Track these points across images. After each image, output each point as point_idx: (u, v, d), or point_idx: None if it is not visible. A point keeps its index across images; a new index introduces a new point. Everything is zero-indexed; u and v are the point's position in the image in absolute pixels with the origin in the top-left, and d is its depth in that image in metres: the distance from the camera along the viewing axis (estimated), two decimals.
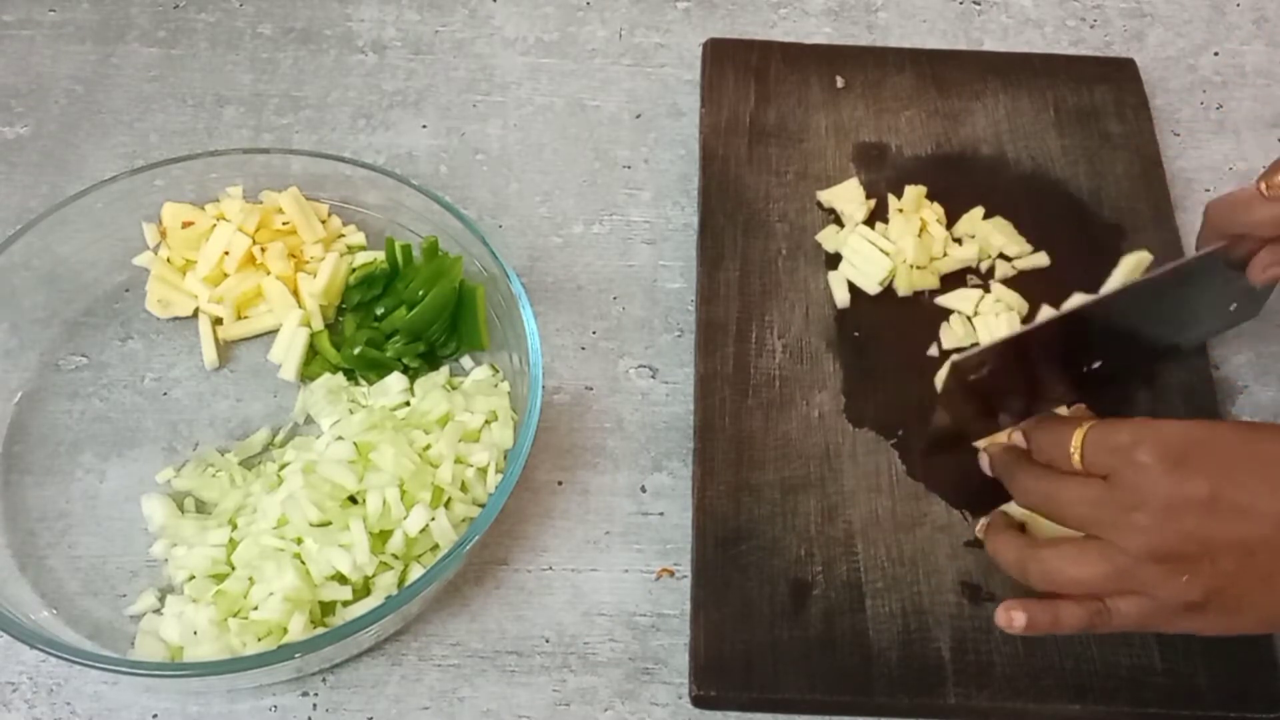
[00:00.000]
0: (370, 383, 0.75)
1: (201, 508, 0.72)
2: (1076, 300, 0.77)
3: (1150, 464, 0.58)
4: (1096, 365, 0.68)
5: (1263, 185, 0.65)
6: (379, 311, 0.76)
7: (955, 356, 0.62)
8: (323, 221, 0.80)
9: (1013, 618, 0.61)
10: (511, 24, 0.95)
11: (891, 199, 0.83)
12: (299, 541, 0.66)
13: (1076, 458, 0.60)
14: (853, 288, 0.80)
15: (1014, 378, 0.65)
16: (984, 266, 0.81)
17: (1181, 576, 0.57)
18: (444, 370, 0.75)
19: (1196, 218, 0.86)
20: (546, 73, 0.93)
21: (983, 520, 0.68)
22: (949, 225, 0.82)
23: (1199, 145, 0.90)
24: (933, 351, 0.77)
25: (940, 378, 0.74)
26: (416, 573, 0.67)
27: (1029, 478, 0.63)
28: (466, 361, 0.77)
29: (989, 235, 0.81)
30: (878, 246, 0.80)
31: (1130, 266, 0.78)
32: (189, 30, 0.94)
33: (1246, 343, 0.80)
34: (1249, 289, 0.69)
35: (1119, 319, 0.68)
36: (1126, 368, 0.74)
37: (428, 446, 0.70)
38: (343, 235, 0.81)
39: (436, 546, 0.68)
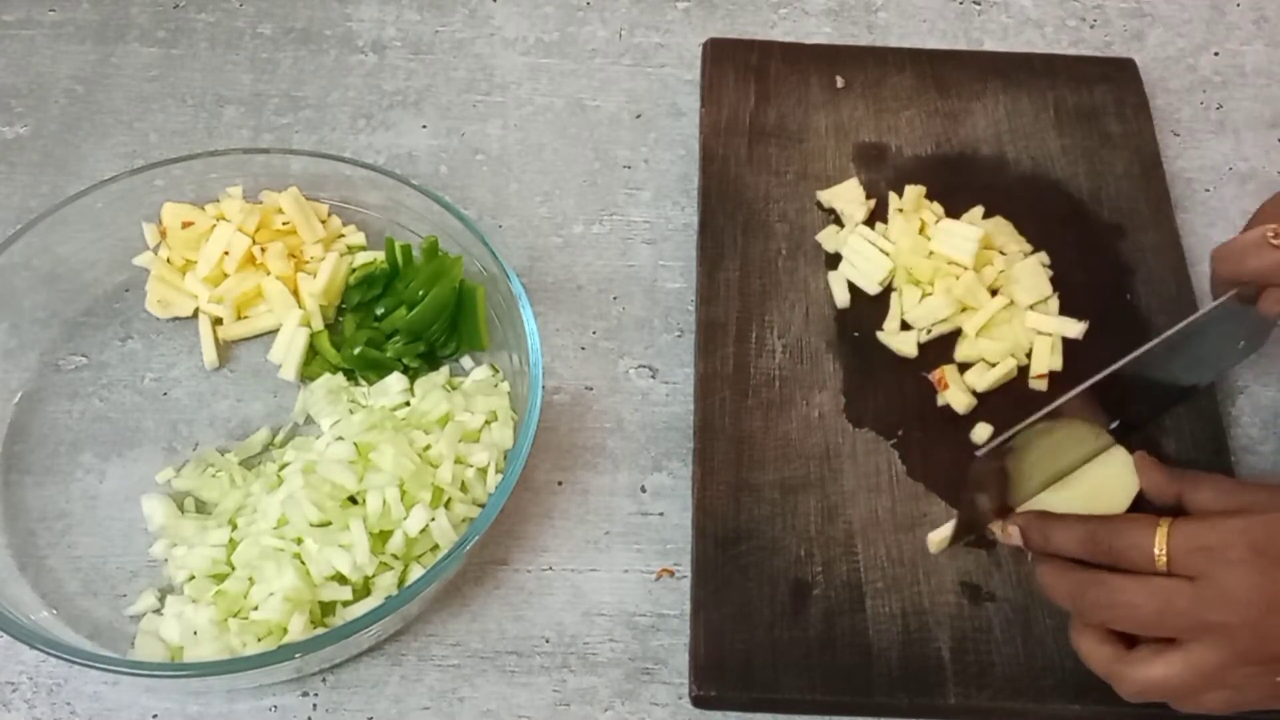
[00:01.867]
0: (370, 383, 0.75)
1: (201, 508, 0.72)
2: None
3: (1246, 562, 0.56)
4: (1114, 425, 0.67)
5: (1270, 233, 0.63)
6: (379, 311, 0.76)
7: (978, 453, 0.60)
8: (323, 221, 0.80)
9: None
10: (511, 24, 0.95)
11: (892, 199, 0.83)
12: (299, 541, 0.66)
13: (1163, 560, 0.58)
14: (853, 288, 0.80)
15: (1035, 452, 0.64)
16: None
17: (1275, 676, 0.56)
18: (444, 370, 0.75)
19: (1197, 218, 0.86)
20: (546, 73, 0.93)
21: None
22: None
23: (1199, 145, 0.90)
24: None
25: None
26: (416, 573, 0.67)
27: (1100, 589, 0.59)
28: (466, 361, 0.77)
29: (989, 235, 0.81)
30: (878, 246, 0.80)
31: (910, 195, 0.80)
32: (189, 30, 0.94)
33: None
34: (1258, 322, 0.67)
35: (1137, 380, 0.66)
36: (1143, 421, 0.72)
37: (428, 447, 0.70)
38: (343, 235, 0.81)
39: (436, 547, 0.68)
